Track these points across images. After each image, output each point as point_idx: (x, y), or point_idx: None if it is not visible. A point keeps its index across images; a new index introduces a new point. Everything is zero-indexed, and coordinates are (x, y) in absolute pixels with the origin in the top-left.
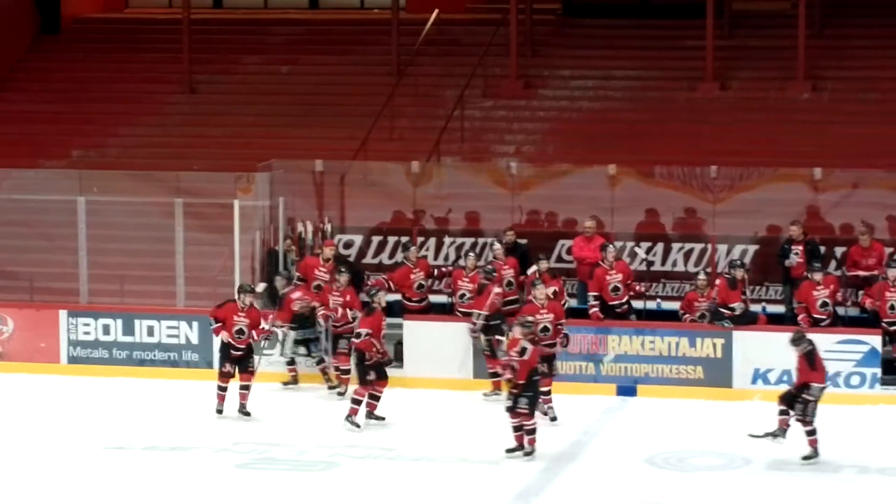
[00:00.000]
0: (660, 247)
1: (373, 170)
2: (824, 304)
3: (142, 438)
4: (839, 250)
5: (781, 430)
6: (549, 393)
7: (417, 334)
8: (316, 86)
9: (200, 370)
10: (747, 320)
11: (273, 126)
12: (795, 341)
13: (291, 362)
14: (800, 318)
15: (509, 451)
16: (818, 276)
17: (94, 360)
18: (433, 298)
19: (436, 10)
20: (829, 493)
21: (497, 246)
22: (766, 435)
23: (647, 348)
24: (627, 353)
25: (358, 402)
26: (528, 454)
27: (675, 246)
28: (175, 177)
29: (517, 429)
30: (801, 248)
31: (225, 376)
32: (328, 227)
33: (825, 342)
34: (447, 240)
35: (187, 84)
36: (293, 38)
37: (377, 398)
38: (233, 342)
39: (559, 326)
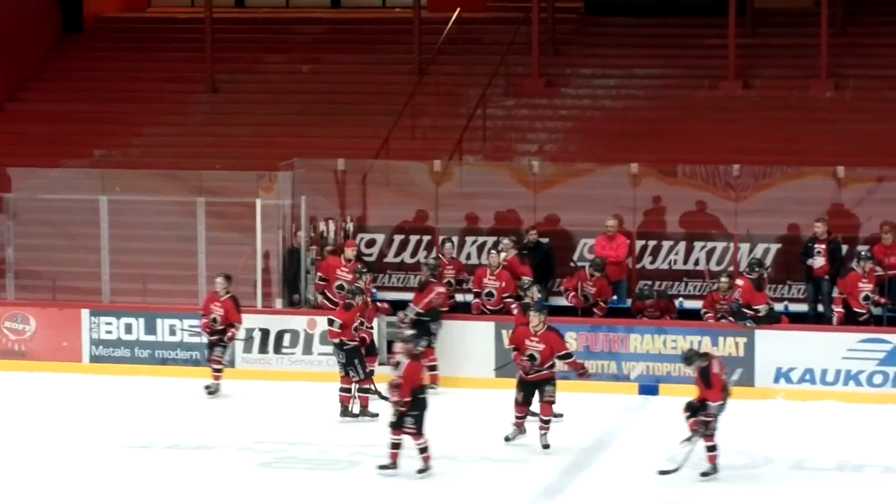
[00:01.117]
0: (682, 245)
1: (395, 169)
2: (867, 298)
3: (164, 437)
4: (862, 248)
5: (694, 432)
6: (547, 422)
7: (441, 332)
8: (338, 84)
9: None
10: (770, 320)
11: (295, 125)
12: (687, 360)
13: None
14: (836, 309)
15: (381, 467)
16: (868, 266)
17: (116, 360)
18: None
19: (457, 9)
20: (852, 492)
21: (505, 241)
22: (684, 441)
23: (670, 347)
24: (650, 352)
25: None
26: (421, 471)
27: (698, 244)
28: (197, 176)
29: (395, 446)
30: (824, 246)
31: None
32: (350, 226)
33: (848, 341)
34: (469, 238)
35: (209, 83)
36: (315, 37)
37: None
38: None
39: (559, 358)
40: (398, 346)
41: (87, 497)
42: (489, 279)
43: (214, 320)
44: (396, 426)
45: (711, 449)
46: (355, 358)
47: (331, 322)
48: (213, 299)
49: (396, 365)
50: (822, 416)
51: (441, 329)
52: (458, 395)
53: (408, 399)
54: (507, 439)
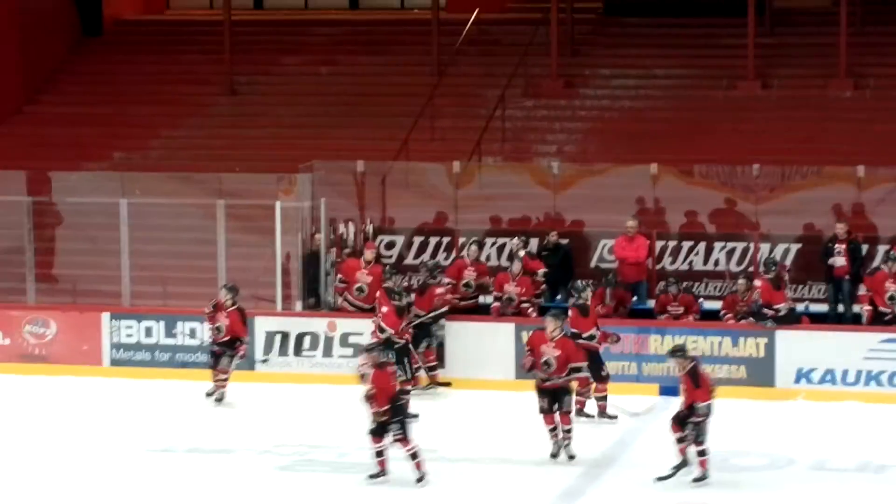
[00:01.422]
0: (702, 246)
1: (414, 170)
2: (892, 298)
3: (184, 441)
4: (882, 248)
5: (684, 460)
6: (569, 431)
7: (459, 335)
8: (356, 86)
9: (243, 372)
10: (790, 320)
11: (314, 127)
12: (675, 354)
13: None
14: (865, 307)
15: (371, 476)
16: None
17: (136, 363)
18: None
19: (476, 10)
20: (874, 493)
21: (514, 241)
22: (673, 469)
23: (690, 348)
24: None
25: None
26: (419, 480)
27: (718, 245)
28: (217, 178)
29: (379, 453)
30: (844, 246)
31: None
32: (370, 227)
33: (869, 341)
34: (489, 240)
35: (228, 85)
36: (333, 39)
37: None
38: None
39: (575, 369)
40: (362, 358)
41: (108, 501)
42: (511, 285)
43: (219, 329)
44: (377, 433)
45: (702, 454)
46: (405, 356)
47: (381, 330)
48: (220, 308)
49: (363, 377)
50: (844, 417)
51: (442, 330)
52: (477, 398)
53: (387, 407)
54: (553, 456)
